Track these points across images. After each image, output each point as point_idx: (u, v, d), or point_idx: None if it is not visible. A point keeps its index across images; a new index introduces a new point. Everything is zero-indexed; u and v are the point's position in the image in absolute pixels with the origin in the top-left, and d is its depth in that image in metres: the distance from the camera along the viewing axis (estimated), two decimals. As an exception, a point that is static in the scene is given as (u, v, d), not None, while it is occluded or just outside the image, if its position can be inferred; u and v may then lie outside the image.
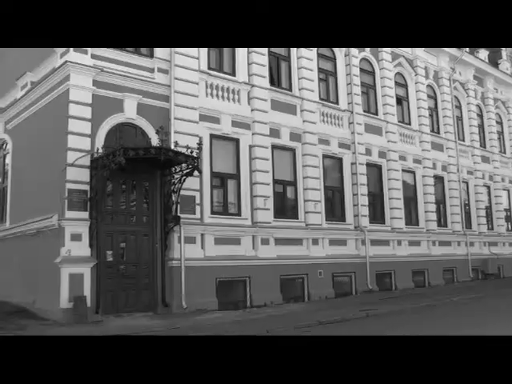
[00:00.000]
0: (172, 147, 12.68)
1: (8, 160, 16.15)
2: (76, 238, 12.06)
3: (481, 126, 26.69)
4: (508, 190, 27.97)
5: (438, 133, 23.44)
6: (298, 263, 16.02)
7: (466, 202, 24.56)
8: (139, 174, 13.25)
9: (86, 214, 12.23)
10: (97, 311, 12.00)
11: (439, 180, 22.94)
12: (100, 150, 12.40)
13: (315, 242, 16.82)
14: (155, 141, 12.88)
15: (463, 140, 24.96)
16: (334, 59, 19.09)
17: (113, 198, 13.01)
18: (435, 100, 23.79)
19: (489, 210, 26.18)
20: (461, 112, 25.41)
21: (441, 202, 22.90)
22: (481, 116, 26.94)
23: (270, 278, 15.08)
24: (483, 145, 26.56)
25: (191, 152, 12.52)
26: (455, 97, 24.96)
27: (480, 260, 23.95)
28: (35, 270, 13.12)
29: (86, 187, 12.32)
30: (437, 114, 23.77)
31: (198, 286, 13.41)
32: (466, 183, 24.79)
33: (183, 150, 12.51)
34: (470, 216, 24.54)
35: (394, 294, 17.82)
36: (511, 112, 29.01)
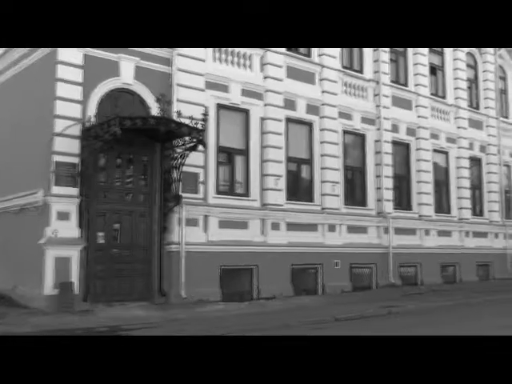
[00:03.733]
0: (174, 118, 12.87)
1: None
2: (63, 216, 12.33)
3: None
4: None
5: (477, 108, 23.42)
6: (312, 252, 16.28)
7: (507, 189, 24.59)
8: (136, 147, 13.48)
9: (75, 191, 12.47)
10: (85, 299, 12.28)
11: (476, 162, 23.00)
12: (92, 119, 12.59)
13: (332, 228, 17.06)
14: (155, 110, 13.07)
15: (506, 117, 24.92)
16: (359, 21, 19.08)
17: (106, 173, 13.24)
18: (475, 70, 23.72)
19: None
20: (505, 84, 25.29)
21: (477, 188, 23.00)
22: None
23: (279, 267, 15.36)
24: (530, 123, 26.43)
25: (195, 124, 12.70)
26: (500, 66, 24.81)
27: (522, 255, 24.08)
28: (17, 251, 13.45)
29: (76, 160, 12.53)
30: (477, 87, 23.71)
31: (200, 274, 13.70)
32: (508, 167, 24.81)
33: (186, 121, 12.70)
34: (510, 205, 24.61)
35: (419, 289, 18.04)
36: None
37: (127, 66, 13.52)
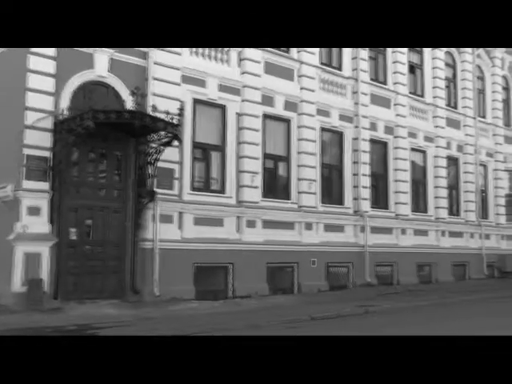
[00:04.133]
0: (149, 112, 12.84)
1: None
2: (34, 212, 12.23)
3: (506, 102, 26.90)
4: (533, 177, 28.37)
5: (455, 107, 23.77)
6: (288, 250, 16.39)
7: (483, 189, 24.99)
8: (110, 142, 13.42)
9: (46, 185, 12.38)
10: (55, 297, 12.19)
11: (453, 162, 23.35)
12: (65, 112, 12.49)
13: (308, 226, 17.18)
14: (130, 104, 13.03)
15: (484, 117, 25.30)
16: (339, 17, 19.21)
17: (79, 167, 13.16)
18: (454, 69, 24.05)
19: (509, 198, 26.57)
20: (483, 84, 25.66)
21: (454, 187, 23.35)
22: (507, 89, 27.13)
23: (255, 265, 15.42)
24: (507, 123, 26.79)
25: (171, 118, 12.68)
26: (478, 66, 25.15)
27: (497, 255, 24.47)
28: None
29: (48, 154, 12.44)
30: (455, 86, 24.05)
31: (174, 272, 13.70)
32: (485, 166, 25.19)
33: (162, 116, 12.68)
34: (486, 205, 25.01)
35: (395, 289, 18.29)
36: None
37: (101, 59, 13.44)
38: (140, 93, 12.74)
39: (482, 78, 25.63)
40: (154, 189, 13.58)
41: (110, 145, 13.50)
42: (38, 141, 12.32)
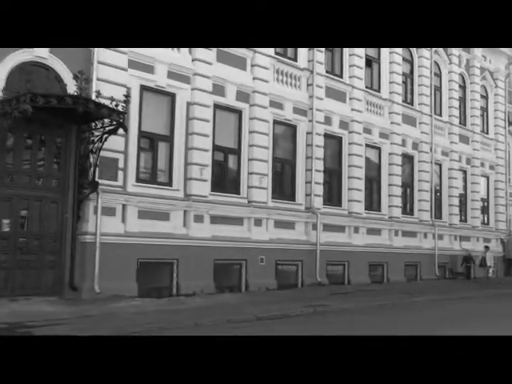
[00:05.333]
0: (93, 98, 12.66)
1: None
2: (-37, 201, 11.94)
3: (462, 100, 27.68)
4: (487, 177, 29.26)
5: (412, 104, 24.28)
6: (237, 246, 16.45)
7: (438, 188, 25.62)
8: (50, 128, 13.18)
9: (-22, 173, 12.09)
10: (-16, 293, 11.96)
11: (408, 159, 23.86)
12: (0, 94, 12.22)
13: (258, 222, 17.29)
14: (72, 88, 12.81)
15: (440, 114, 25.92)
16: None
17: (14, 154, 12.88)
18: (411, 65, 24.55)
19: (463, 198, 27.32)
20: (440, 81, 26.26)
21: (408, 186, 23.87)
22: (463, 88, 27.88)
23: (201, 262, 15.42)
24: (463, 122, 27.58)
25: (116, 105, 12.56)
26: (435, 62, 25.72)
27: (448, 256, 25.19)
28: None
29: (-20, 139, 12.15)
30: (412, 82, 24.56)
31: (115, 268, 13.58)
32: (440, 165, 25.81)
33: (107, 103, 12.53)
34: (440, 204, 25.67)
35: (346, 288, 18.61)
36: (499, 85, 30.11)
37: (42, 39, 13.14)
38: (84, 77, 12.55)
39: (438, 75, 26.19)
40: (96, 179, 13.40)
41: (49, 131, 13.26)
42: (-31, 124, 12.01)
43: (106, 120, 12.92)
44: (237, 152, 17.21)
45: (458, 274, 25.17)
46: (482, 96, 29.18)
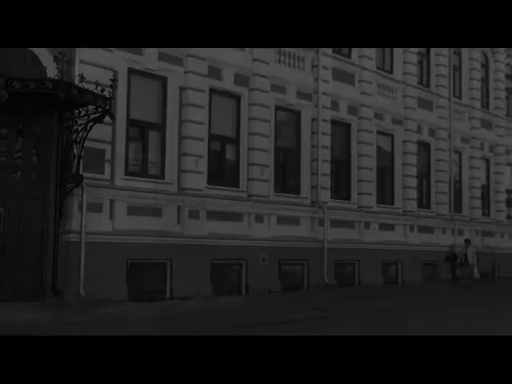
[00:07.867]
0: (76, 82, 12.65)
1: None
2: None
3: (484, 80, 27.55)
4: (513, 166, 29.14)
5: (428, 86, 24.22)
6: (236, 245, 16.49)
7: (457, 179, 25.61)
8: (28, 116, 13.17)
9: (-49, 166, 12.12)
10: (-42, 298, 11.97)
11: (424, 147, 23.84)
12: (-29, 79, 12.23)
13: (259, 218, 17.32)
14: (53, 71, 12.76)
15: (460, 97, 25.84)
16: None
17: (-11, 145, 12.93)
18: (427, 43, 24.40)
19: (486, 190, 27.26)
20: (460, 60, 26.12)
21: (424, 177, 23.86)
22: (486, 67, 27.74)
23: (197, 262, 15.43)
24: (485, 105, 27.48)
25: (102, 90, 12.55)
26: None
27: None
28: None
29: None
30: (428, 62, 24.47)
31: (103, 269, 13.59)
32: (459, 154, 25.78)
33: (91, 88, 12.53)
34: (460, 197, 25.64)
35: (356, 290, 18.60)
36: (526, 64, 29.84)
37: (19, 17, 13.14)
38: (65, 59, 12.51)
39: (458, 53, 25.97)
40: (81, 172, 13.39)
41: (27, 120, 13.26)
42: None
43: (91, 107, 12.89)
44: (235, 141, 17.21)
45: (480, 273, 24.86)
46: (507, 76, 28.89)
